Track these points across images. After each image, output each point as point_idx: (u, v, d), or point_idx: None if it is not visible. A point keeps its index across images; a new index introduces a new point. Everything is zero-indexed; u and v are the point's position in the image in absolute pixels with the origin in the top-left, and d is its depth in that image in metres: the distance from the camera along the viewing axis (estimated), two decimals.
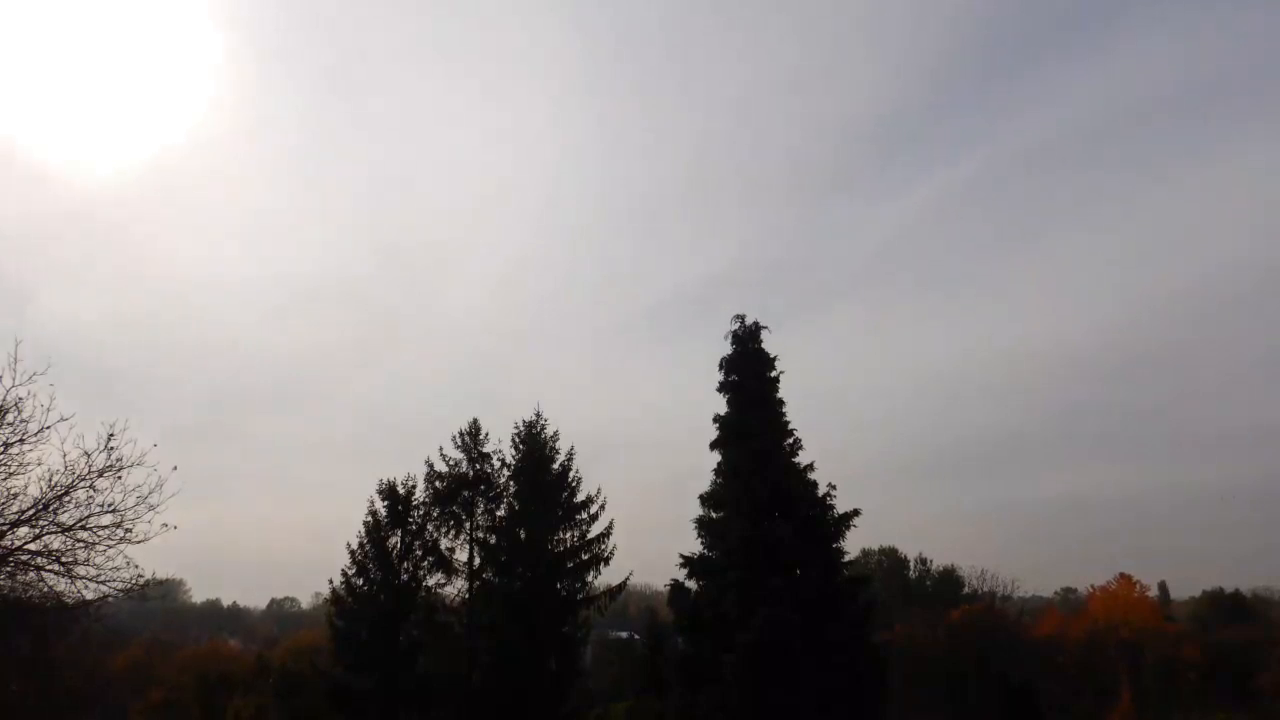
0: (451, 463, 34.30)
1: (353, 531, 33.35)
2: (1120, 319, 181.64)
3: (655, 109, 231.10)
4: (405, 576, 32.67)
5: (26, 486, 14.53)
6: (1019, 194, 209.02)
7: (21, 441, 14.41)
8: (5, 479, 14.49)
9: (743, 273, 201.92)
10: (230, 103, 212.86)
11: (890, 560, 70.18)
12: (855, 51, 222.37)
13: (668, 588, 27.47)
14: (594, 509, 33.81)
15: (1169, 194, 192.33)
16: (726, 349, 28.21)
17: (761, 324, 28.14)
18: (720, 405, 27.82)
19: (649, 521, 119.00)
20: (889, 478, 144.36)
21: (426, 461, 34.36)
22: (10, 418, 14.31)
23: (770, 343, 28.15)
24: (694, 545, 27.03)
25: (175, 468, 15.03)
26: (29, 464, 14.54)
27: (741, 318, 28.28)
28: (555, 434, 35.05)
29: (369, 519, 33.29)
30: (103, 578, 14.95)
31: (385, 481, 33.73)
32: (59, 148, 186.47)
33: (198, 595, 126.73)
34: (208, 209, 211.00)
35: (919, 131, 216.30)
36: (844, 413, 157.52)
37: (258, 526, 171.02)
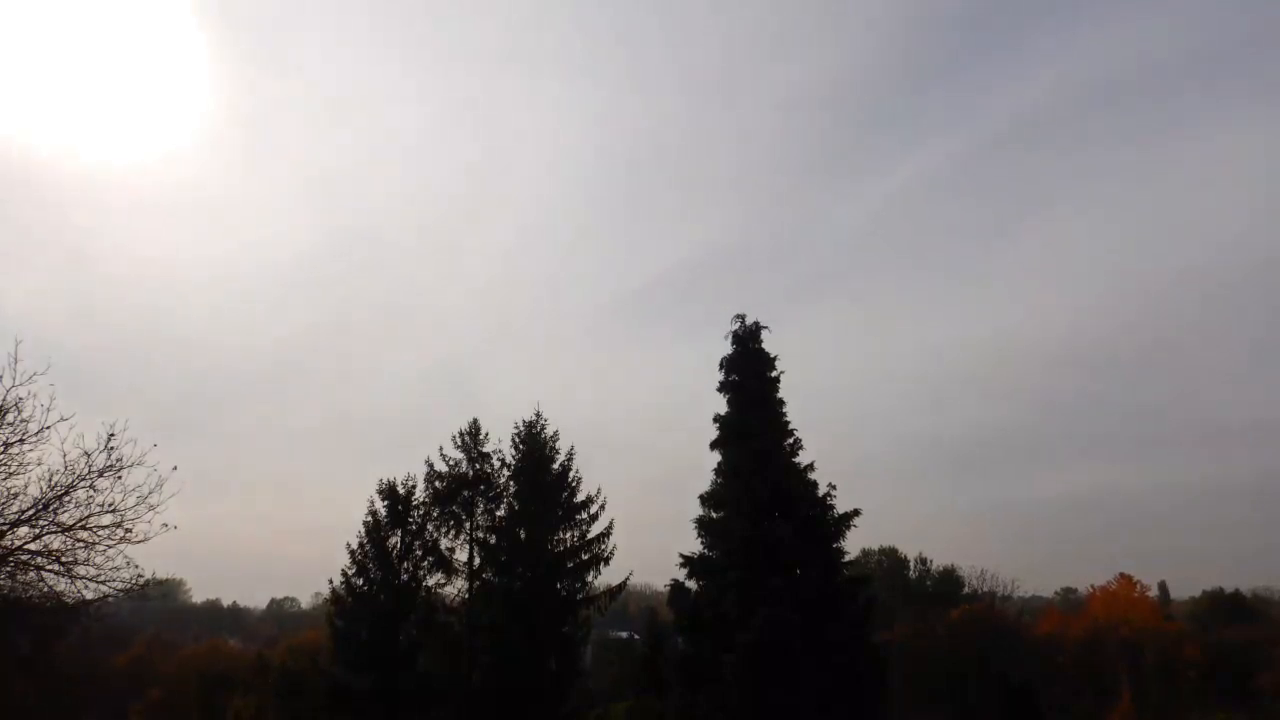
0: (451, 463, 34.34)
1: (353, 531, 33.43)
2: (1119, 310, 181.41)
3: (632, 94, 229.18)
4: (405, 576, 32.67)
5: (26, 486, 14.58)
6: (1009, 175, 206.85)
7: (21, 441, 14.43)
8: (5, 479, 14.52)
9: (729, 265, 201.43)
10: (205, 92, 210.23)
11: (890, 560, 70.10)
12: (828, 22, 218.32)
13: (668, 588, 27.46)
14: (594, 509, 33.86)
15: (1168, 172, 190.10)
16: (726, 348, 28.24)
17: (761, 324, 28.21)
18: (720, 405, 27.86)
19: (648, 521, 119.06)
20: (887, 476, 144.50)
21: (426, 461, 34.45)
22: (10, 418, 14.33)
23: (768, 341, 28.21)
24: (694, 545, 27.06)
25: (175, 468, 15.06)
26: (29, 464, 14.58)
27: (742, 317, 28.32)
28: (555, 434, 35.15)
29: (369, 519, 33.31)
30: (103, 578, 14.97)
31: (385, 481, 33.79)
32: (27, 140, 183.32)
33: (198, 595, 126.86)
34: (181, 201, 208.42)
35: (900, 110, 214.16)
36: (837, 408, 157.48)
37: (257, 525, 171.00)
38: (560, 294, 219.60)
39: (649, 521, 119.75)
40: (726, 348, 28.20)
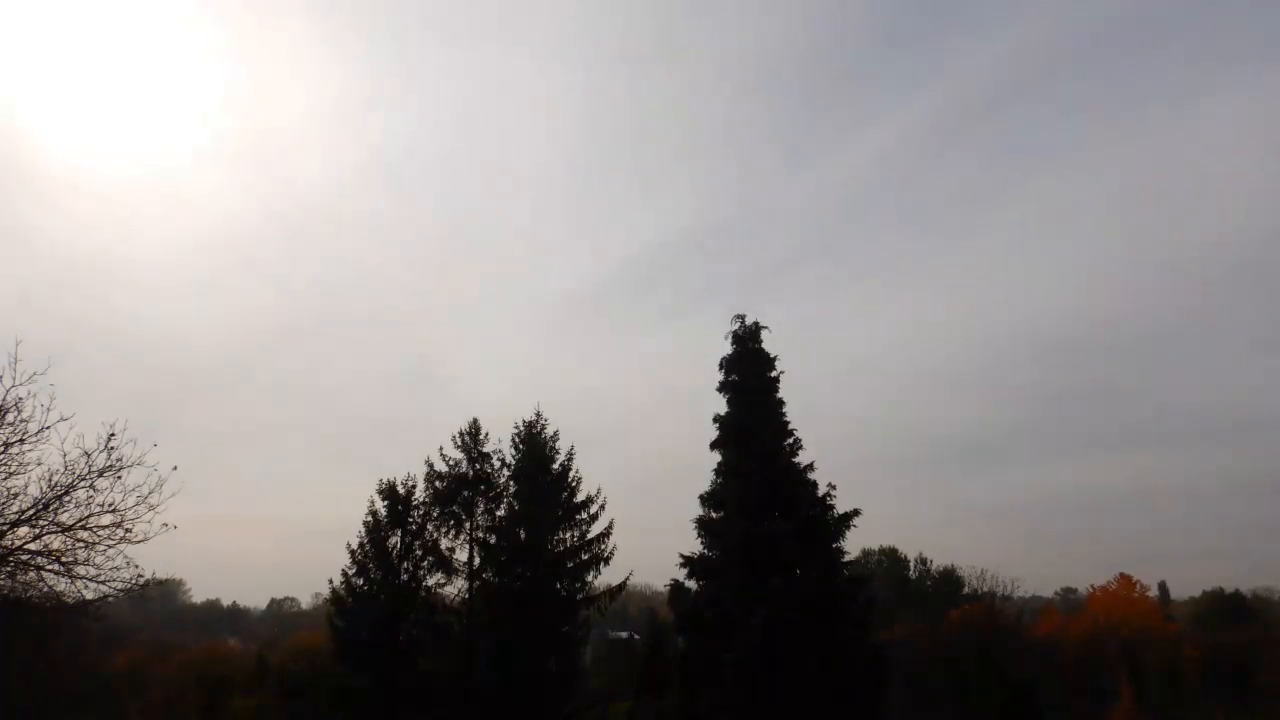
0: (451, 462, 34.33)
1: (353, 531, 33.43)
2: (1117, 306, 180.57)
3: (605, 70, 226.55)
4: (405, 576, 32.65)
5: (26, 486, 14.52)
6: (1003, 151, 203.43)
7: (21, 441, 14.39)
8: (5, 479, 14.48)
9: (718, 245, 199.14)
10: (159, 73, 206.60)
11: (890, 560, 70.19)
12: None
13: (668, 588, 27.47)
14: (594, 509, 33.83)
15: (1171, 138, 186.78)
16: (721, 337, 28.38)
17: (761, 324, 28.23)
18: (720, 404, 27.88)
19: (648, 521, 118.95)
20: (887, 476, 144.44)
21: (426, 461, 34.41)
22: (10, 418, 14.29)
23: (767, 340, 28.23)
24: (694, 545, 27.07)
25: (175, 467, 15.04)
26: (29, 464, 14.53)
27: (741, 317, 28.36)
28: (555, 434, 35.11)
29: (369, 519, 33.29)
30: (103, 578, 14.92)
31: (385, 481, 33.76)
32: None
33: (198, 595, 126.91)
34: (137, 186, 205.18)
35: (872, 72, 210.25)
36: (835, 406, 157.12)
37: (258, 526, 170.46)
38: (548, 282, 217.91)
39: (649, 522, 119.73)
40: (724, 340, 28.34)
